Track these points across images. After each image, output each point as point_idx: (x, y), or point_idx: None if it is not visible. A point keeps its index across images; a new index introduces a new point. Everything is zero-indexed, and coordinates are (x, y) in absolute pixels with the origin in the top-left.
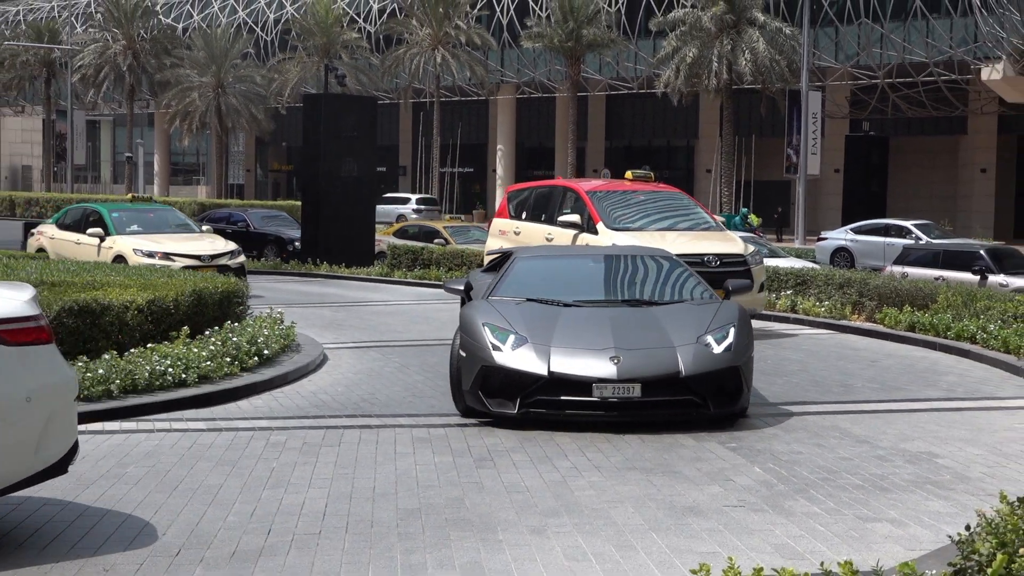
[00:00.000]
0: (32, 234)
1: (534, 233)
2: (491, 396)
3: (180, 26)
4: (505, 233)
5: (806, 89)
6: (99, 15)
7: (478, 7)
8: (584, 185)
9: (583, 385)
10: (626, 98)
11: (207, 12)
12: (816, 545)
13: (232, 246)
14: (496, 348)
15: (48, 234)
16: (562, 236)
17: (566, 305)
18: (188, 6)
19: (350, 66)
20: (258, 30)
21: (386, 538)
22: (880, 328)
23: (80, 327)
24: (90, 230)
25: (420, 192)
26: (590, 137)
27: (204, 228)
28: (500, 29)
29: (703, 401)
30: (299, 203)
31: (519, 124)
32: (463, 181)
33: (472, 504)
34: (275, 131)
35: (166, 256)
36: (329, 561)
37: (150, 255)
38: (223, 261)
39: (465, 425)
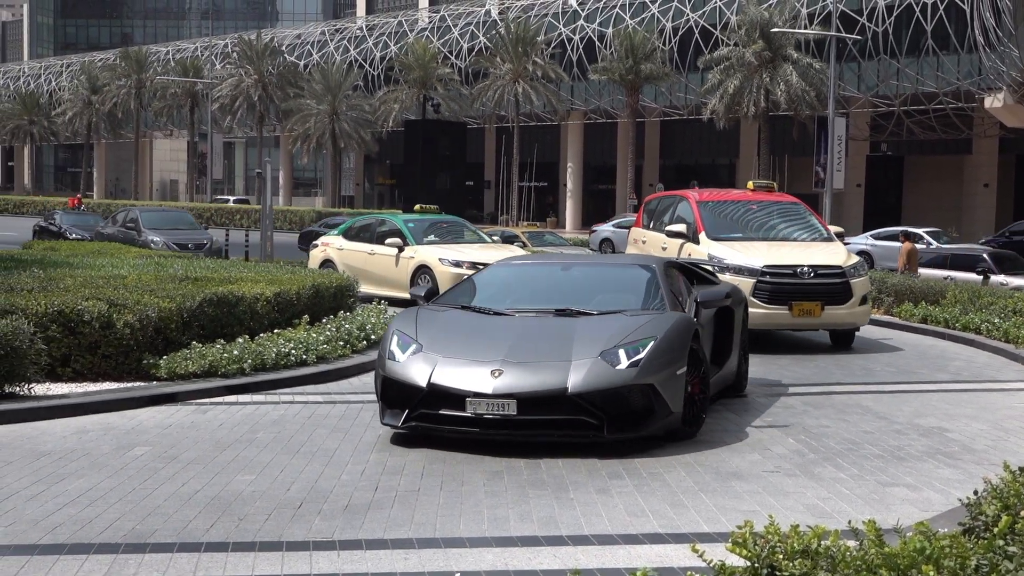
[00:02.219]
0: (315, 245)
1: (654, 242)
2: (390, 407)
3: (301, 63)
4: (636, 242)
5: (832, 115)
6: (235, 54)
7: (552, 46)
8: (697, 195)
9: (459, 399)
10: (677, 123)
11: (324, 51)
12: (842, 506)
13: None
14: (392, 357)
15: (335, 245)
16: (672, 246)
17: (496, 314)
18: (308, 46)
19: (444, 96)
20: (367, 66)
21: (475, 495)
22: (897, 320)
23: (218, 315)
24: (388, 240)
25: (500, 204)
26: (647, 156)
27: (494, 238)
28: (571, 65)
29: (599, 422)
30: (401, 211)
31: (586, 145)
32: (538, 194)
33: (547, 467)
34: (380, 151)
35: (473, 266)
36: (427, 514)
37: (457, 264)
38: None
39: None
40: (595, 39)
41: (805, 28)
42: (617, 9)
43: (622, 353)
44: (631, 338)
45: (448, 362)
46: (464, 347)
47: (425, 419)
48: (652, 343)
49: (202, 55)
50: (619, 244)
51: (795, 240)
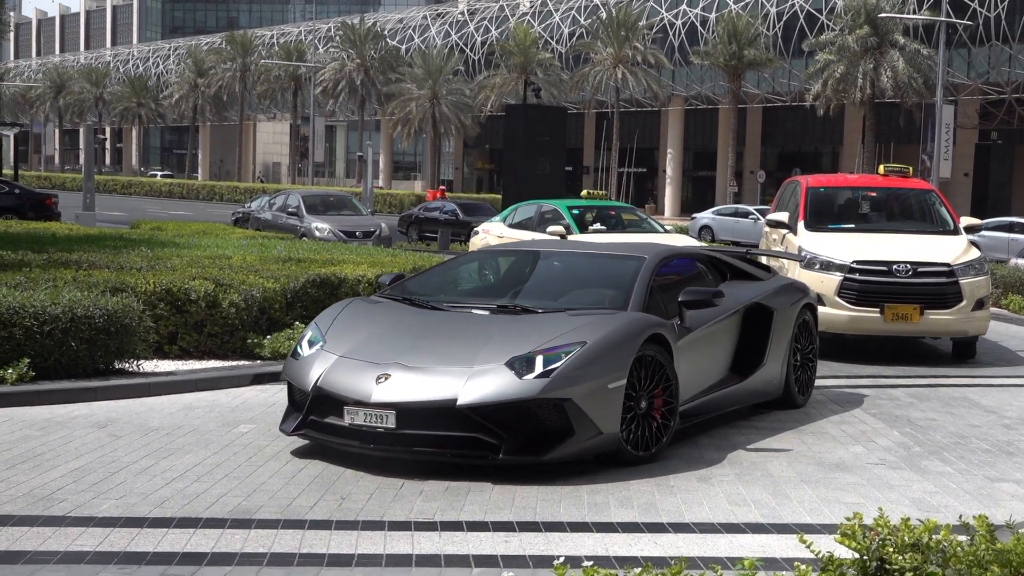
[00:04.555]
0: (476, 232)
1: (770, 234)
2: (295, 409)
3: (403, 47)
4: (765, 231)
5: (940, 103)
6: (338, 38)
7: (654, 31)
8: (809, 180)
9: (339, 406)
10: (780, 109)
11: (425, 36)
12: (949, 501)
13: (698, 244)
14: (295, 354)
15: (496, 232)
16: (778, 236)
17: (432, 308)
18: (410, 31)
19: (544, 81)
20: (467, 51)
21: (573, 482)
22: (1005, 312)
23: (321, 296)
24: (551, 228)
25: (597, 187)
26: (747, 143)
27: (667, 229)
28: (672, 50)
29: (498, 441)
30: (499, 196)
31: (686, 131)
32: (637, 180)
33: None
34: (479, 135)
35: None
36: (527, 497)
37: None
38: None
39: None
40: (698, 24)
41: (913, 13)
42: None
43: (539, 361)
44: (556, 343)
45: (342, 362)
46: (368, 345)
47: (314, 427)
48: (578, 350)
49: (306, 39)
50: (719, 232)
51: (908, 232)
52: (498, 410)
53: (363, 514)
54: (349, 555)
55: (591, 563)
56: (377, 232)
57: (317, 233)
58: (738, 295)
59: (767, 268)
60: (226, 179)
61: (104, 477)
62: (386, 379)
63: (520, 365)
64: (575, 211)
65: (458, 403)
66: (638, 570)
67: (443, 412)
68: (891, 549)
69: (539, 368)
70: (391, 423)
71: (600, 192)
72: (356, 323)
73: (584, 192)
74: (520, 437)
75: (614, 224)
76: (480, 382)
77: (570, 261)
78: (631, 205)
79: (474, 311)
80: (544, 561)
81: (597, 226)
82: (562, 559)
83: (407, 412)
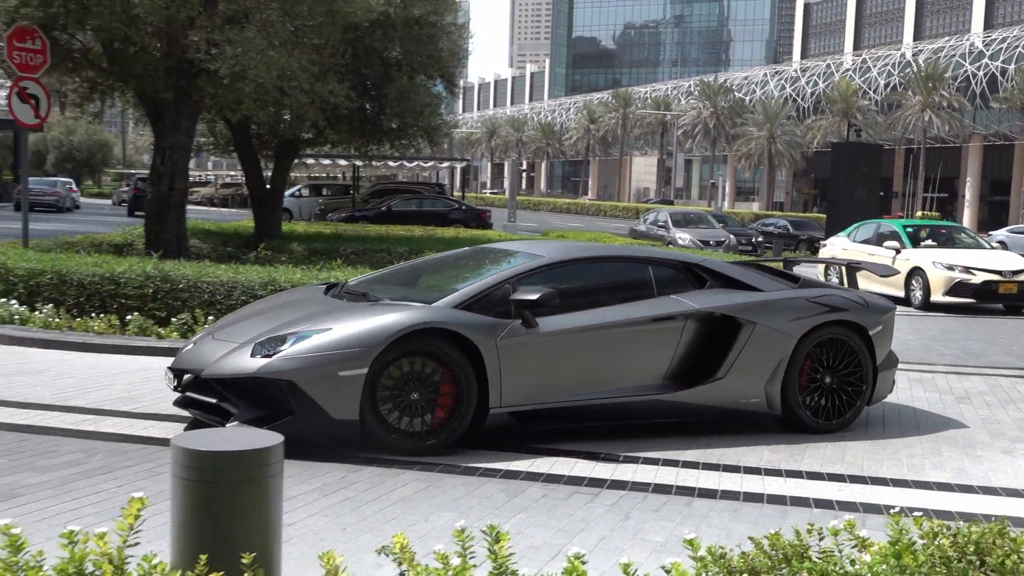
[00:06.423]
0: (824, 245)
1: None
2: None
3: (747, 99)
4: None
5: None
6: (696, 92)
7: (958, 80)
8: None
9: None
10: None
11: (765, 89)
12: None
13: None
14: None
15: (840, 246)
16: None
17: (334, 296)
18: (753, 85)
19: (862, 123)
20: (798, 100)
21: (893, 446)
22: None
23: None
24: (886, 243)
25: (906, 212)
26: None
27: (993, 244)
28: (974, 96)
29: (236, 410)
30: (823, 215)
31: (984, 163)
32: (939, 203)
33: (956, 428)
34: (806, 168)
35: (966, 270)
36: (855, 456)
37: (950, 268)
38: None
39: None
40: (998, 74)
41: None
42: (1020, 48)
43: (289, 342)
44: (309, 326)
45: (207, 341)
46: (234, 324)
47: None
48: (318, 334)
49: (671, 93)
50: (1012, 246)
51: None
52: (231, 384)
53: (723, 459)
54: (713, 490)
55: (920, 514)
56: (726, 241)
57: (680, 241)
58: (683, 303)
59: (794, 278)
60: (608, 200)
61: None
62: (191, 347)
63: (266, 345)
64: (909, 229)
65: (203, 374)
66: (965, 523)
67: (198, 381)
68: None
69: (282, 347)
70: (175, 386)
71: (933, 213)
72: (267, 305)
73: (919, 213)
74: (252, 410)
75: (944, 240)
76: (229, 358)
77: (489, 257)
78: (962, 225)
79: (347, 299)
80: (871, 508)
81: (928, 242)
82: (898, 508)
83: (180, 378)
